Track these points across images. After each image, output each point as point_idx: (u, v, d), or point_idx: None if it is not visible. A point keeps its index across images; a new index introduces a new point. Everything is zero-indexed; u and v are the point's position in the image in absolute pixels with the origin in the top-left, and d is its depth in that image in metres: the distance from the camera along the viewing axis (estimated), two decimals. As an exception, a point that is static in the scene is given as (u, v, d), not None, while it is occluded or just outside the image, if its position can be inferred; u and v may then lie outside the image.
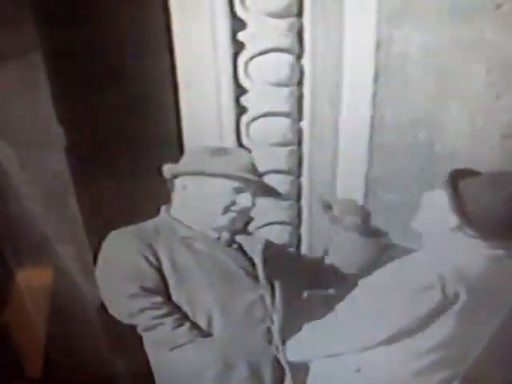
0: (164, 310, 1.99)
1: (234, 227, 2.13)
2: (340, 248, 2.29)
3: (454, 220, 1.86)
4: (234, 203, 2.06)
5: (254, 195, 2.09)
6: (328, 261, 2.33)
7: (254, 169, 2.11)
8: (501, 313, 1.99)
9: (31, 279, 3.32)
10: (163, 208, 2.18)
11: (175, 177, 2.12)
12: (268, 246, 2.18)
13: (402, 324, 1.84)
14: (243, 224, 2.23)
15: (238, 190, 2.05)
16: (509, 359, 2.76)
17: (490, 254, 1.88)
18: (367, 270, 2.06)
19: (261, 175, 2.17)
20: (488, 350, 2.06)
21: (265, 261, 2.12)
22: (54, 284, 3.37)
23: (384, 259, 2.10)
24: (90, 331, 3.30)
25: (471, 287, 1.82)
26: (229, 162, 2.05)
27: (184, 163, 2.12)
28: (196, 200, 2.08)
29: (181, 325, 2.00)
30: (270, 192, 2.24)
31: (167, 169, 2.12)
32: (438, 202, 1.91)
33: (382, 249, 2.29)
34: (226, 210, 2.06)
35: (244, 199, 2.06)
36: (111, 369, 3.39)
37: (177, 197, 2.15)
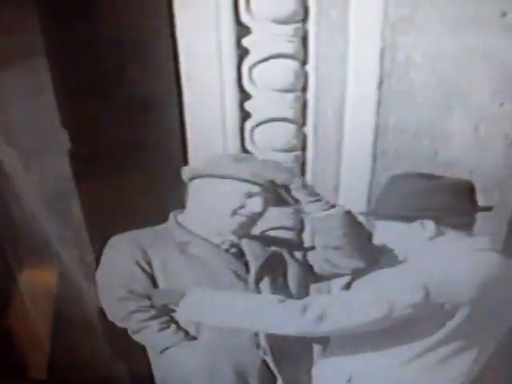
0: (151, 313, 2.02)
1: (241, 233, 2.12)
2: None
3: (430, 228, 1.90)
4: (242, 206, 2.05)
5: (266, 202, 2.09)
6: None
7: (273, 178, 2.10)
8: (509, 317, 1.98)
9: (33, 281, 3.33)
10: (172, 213, 2.18)
11: (191, 179, 2.12)
12: (272, 256, 2.18)
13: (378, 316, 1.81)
14: (251, 230, 2.22)
15: (249, 195, 2.05)
16: (509, 360, 2.78)
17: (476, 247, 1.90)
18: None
19: (279, 186, 2.15)
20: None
21: (262, 267, 2.12)
22: (56, 286, 3.38)
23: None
24: (91, 333, 3.31)
25: (465, 295, 1.81)
26: (246, 167, 2.03)
27: (203, 166, 2.12)
28: (207, 203, 2.07)
29: (166, 327, 2.03)
30: (284, 201, 2.24)
31: (186, 170, 2.13)
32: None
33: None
34: (234, 212, 2.05)
35: (253, 203, 2.05)
36: (113, 371, 3.39)
37: (189, 201, 2.15)
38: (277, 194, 2.09)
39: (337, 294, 1.94)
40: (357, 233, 2.06)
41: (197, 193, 2.09)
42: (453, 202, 1.91)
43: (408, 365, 1.88)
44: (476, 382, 1.96)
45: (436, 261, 1.87)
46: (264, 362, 2.06)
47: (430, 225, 1.90)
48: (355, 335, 1.88)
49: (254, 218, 2.10)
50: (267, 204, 2.09)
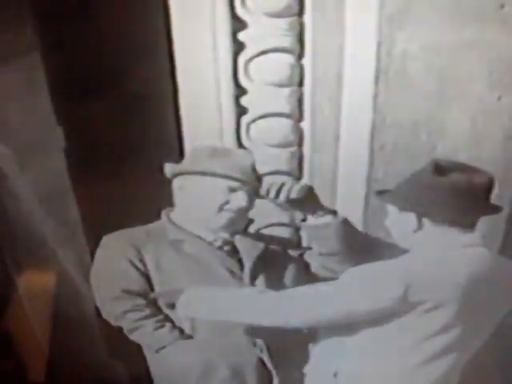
0: (145, 312, 2.04)
1: (233, 228, 2.11)
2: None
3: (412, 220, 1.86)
4: (227, 202, 2.05)
5: (251, 195, 2.07)
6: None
7: (251, 170, 2.09)
8: (498, 314, 1.96)
9: (31, 282, 3.31)
10: (164, 211, 2.19)
11: (174, 177, 2.12)
12: (265, 252, 2.16)
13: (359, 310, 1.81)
14: (244, 225, 2.21)
15: (233, 189, 2.04)
16: (509, 359, 2.76)
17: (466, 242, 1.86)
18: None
19: (260, 177, 2.14)
20: (488, 349, 2.04)
21: (256, 264, 2.11)
22: (54, 287, 3.37)
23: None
24: (90, 334, 3.29)
25: (451, 292, 1.78)
26: (225, 162, 2.04)
27: (182, 163, 2.12)
28: (192, 200, 2.08)
29: (161, 327, 2.04)
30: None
31: (167, 168, 2.12)
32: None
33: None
34: (221, 208, 2.05)
35: (238, 198, 2.05)
36: (112, 372, 3.38)
37: (175, 198, 2.15)
38: (258, 187, 2.09)
39: (318, 285, 1.91)
40: (353, 240, 2.06)
41: (181, 190, 2.10)
42: (466, 203, 1.85)
43: (391, 363, 1.86)
44: (475, 382, 1.97)
45: (421, 256, 1.85)
46: (260, 360, 2.06)
47: (412, 217, 1.86)
48: (340, 330, 1.89)
49: (242, 213, 2.10)
50: (252, 197, 2.09)
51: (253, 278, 2.10)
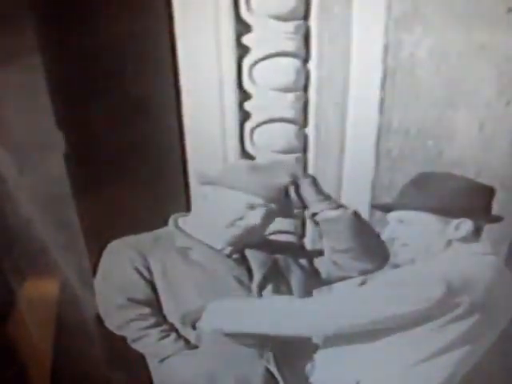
0: (150, 322, 1.99)
1: (235, 245, 2.07)
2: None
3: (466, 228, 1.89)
4: (241, 218, 2.00)
5: (270, 215, 2.03)
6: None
7: (282, 188, 2.03)
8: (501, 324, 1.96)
9: (32, 289, 3.29)
10: (172, 217, 2.14)
11: (203, 184, 2.08)
12: (275, 263, 2.13)
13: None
14: (254, 241, 2.16)
15: (251, 206, 2.00)
16: (509, 359, 2.75)
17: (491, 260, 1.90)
18: None
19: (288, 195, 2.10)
20: (488, 349, 2.01)
21: (266, 274, 2.07)
22: (55, 294, 3.35)
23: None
24: (92, 343, 3.28)
25: (476, 298, 1.79)
26: (256, 178, 1.99)
27: (218, 175, 2.08)
28: (209, 210, 2.04)
29: (166, 336, 1.99)
30: (288, 214, 2.20)
31: (199, 174, 2.10)
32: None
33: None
34: (232, 223, 2.00)
35: (252, 216, 2.00)
36: (114, 381, 3.36)
37: (194, 205, 2.12)
38: (281, 206, 2.05)
39: (351, 289, 1.93)
40: (366, 235, 2.04)
41: (205, 199, 2.06)
42: (485, 206, 1.93)
43: (413, 369, 1.84)
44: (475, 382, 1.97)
45: (454, 261, 1.87)
46: (267, 371, 2.01)
47: (467, 225, 1.89)
48: (363, 338, 1.87)
49: (250, 232, 2.04)
50: (271, 217, 2.04)
51: (261, 288, 2.05)
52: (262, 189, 1.98)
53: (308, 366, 2.04)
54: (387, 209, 2.04)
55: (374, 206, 2.12)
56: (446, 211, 1.89)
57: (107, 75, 2.87)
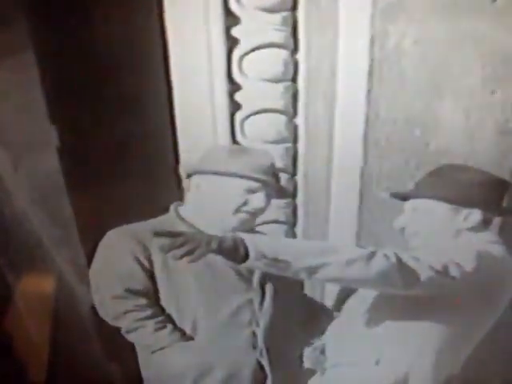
0: (147, 313, 1.97)
1: (243, 229, 2.07)
2: None
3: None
4: (245, 203, 2.01)
5: (269, 196, 2.05)
6: None
7: (271, 170, 2.06)
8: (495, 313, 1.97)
9: (27, 284, 3.29)
10: (172, 206, 2.13)
11: (190, 175, 2.09)
12: None
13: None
14: (254, 225, 2.18)
15: (251, 191, 2.01)
16: (509, 359, 2.75)
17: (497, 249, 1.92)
18: None
19: (277, 177, 2.13)
20: (488, 349, 2.04)
21: None
22: (51, 288, 3.34)
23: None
24: (87, 336, 3.27)
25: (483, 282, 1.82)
26: (244, 162, 2.00)
27: (200, 162, 2.09)
28: (208, 200, 2.04)
29: (162, 328, 1.97)
30: (284, 193, 2.23)
31: (183, 167, 2.09)
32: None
33: None
34: (238, 210, 2.01)
35: (256, 199, 2.01)
36: (110, 374, 3.36)
37: (190, 196, 2.12)
38: (277, 187, 2.07)
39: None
40: None
41: (198, 189, 2.06)
42: (497, 199, 1.97)
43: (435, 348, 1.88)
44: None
45: (463, 248, 1.89)
46: (258, 362, 2.02)
47: (476, 216, 1.94)
48: (384, 314, 1.88)
49: (256, 214, 2.07)
50: (269, 198, 2.06)
51: (262, 282, 2.06)
52: (252, 171, 1.98)
53: (319, 344, 2.02)
54: (404, 197, 2.06)
55: (393, 195, 2.12)
56: (460, 201, 1.93)
57: (99, 72, 2.89)
